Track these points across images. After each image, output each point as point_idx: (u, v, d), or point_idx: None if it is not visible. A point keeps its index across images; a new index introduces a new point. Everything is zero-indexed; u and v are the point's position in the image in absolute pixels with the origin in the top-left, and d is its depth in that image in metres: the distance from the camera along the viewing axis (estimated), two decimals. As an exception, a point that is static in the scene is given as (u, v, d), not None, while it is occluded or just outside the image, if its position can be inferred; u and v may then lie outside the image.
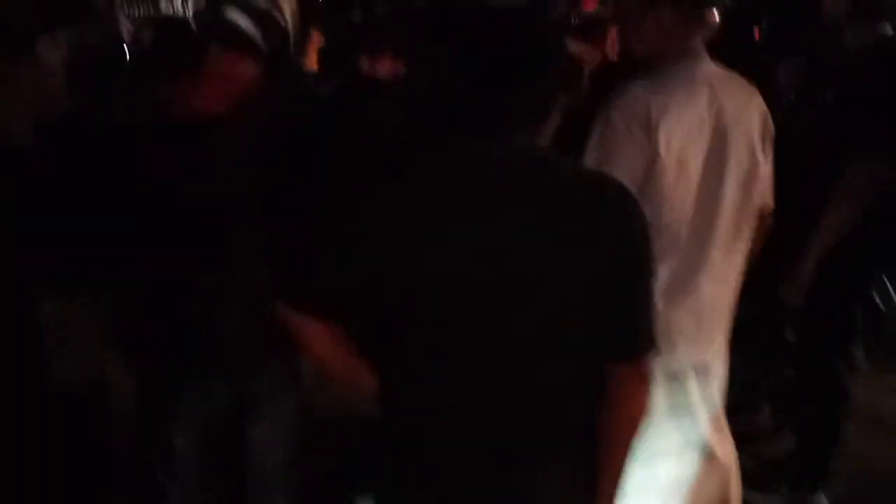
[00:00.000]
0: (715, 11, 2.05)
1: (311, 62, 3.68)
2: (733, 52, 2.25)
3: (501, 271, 1.37)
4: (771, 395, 3.44)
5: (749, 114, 2.04)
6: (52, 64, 2.49)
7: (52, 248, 1.99)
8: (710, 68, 2.02)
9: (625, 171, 1.87)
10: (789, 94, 2.92)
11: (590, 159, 1.94)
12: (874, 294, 3.97)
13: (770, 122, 2.09)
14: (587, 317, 1.42)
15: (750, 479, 2.39)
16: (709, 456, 2.15)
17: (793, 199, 2.37)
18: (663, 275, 1.95)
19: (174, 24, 2.81)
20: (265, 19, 1.94)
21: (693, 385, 2.08)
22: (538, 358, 1.42)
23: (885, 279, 4.10)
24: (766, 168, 2.09)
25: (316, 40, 3.73)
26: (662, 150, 1.91)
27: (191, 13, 5.09)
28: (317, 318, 1.51)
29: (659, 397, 1.91)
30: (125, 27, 4.10)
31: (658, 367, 1.63)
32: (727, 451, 2.20)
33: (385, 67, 2.55)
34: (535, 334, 1.40)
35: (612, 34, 3.47)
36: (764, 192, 2.11)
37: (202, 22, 2.07)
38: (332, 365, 1.58)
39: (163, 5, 5.33)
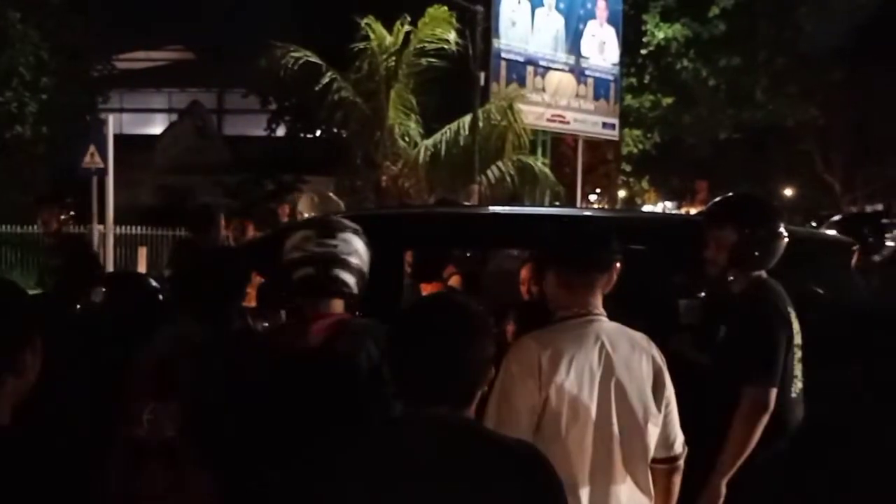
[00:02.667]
0: (613, 271, 2.50)
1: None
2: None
3: None
4: None
5: (640, 368, 2.38)
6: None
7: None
8: (603, 324, 2.40)
9: (519, 414, 2.26)
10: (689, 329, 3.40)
11: (492, 401, 2.27)
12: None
13: (663, 376, 2.41)
14: None
15: None
16: None
17: (702, 425, 2.79)
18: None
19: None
20: None
21: None
22: None
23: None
24: (657, 420, 2.38)
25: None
26: (553, 396, 2.27)
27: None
28: None
29: None
30: None
31: None
32: None
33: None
34: None
35: (524, 274, 3.96)
36: (659, 443, 2.41)
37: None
38: None
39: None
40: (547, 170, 15.94)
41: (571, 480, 2.25)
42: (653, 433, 2.39)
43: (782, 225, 3.18)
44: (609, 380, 2.33)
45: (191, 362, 2.61)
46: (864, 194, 24.89)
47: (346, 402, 2.31)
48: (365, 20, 14.23)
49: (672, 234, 3.88)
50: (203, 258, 3.14)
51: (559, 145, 19.98)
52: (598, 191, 24.00)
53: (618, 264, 2.51)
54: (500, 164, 14.77)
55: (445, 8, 14.26)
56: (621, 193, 25.38)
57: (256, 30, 17.26)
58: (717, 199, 3.43)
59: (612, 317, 2.73)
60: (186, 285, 2.84)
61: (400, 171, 14.79)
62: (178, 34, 30.83)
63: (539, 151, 17.02)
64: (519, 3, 16.46)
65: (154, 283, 3.03)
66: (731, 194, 3.45)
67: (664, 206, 27.98)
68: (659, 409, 2.39)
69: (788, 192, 26.48)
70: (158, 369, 2.62)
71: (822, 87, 21.62)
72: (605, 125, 18.54)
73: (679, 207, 26.70)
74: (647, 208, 26.10)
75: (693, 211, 19.68)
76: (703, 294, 3.58)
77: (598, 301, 2.45)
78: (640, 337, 2.45)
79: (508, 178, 14.68)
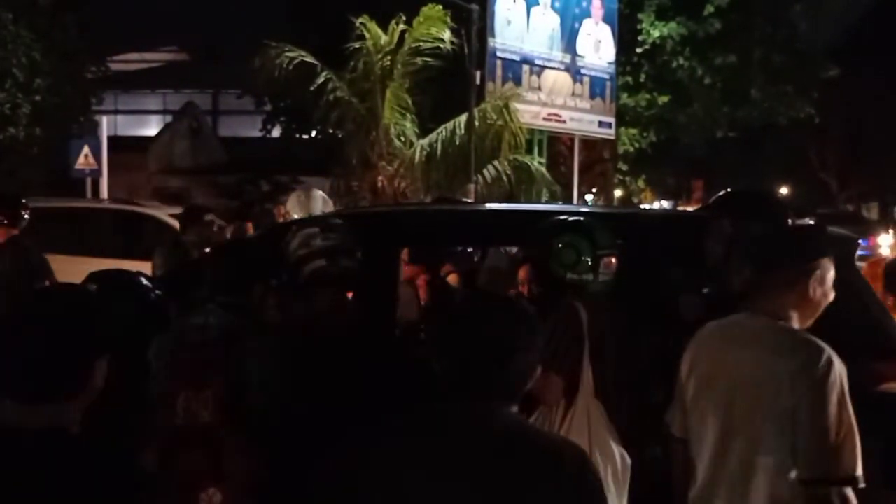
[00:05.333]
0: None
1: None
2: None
3: None
4: None
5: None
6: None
7: None
8: None
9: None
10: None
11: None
12: None
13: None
14: None
15: None
16: None
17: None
18: None
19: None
20: None
21: None
22: None
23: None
24: None
25: None
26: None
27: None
28: None
29: None
30: None
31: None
32: None
33: None
34: None
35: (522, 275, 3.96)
36: None
37: None
38: None
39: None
40: (543, 169, 15.91)
41: None
42: None
43: (786, 219, 3.15)
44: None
45: (227, 348, 2.72)
46: (859, 192, 24.92)
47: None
48: (360, 20, 14.20)
49: (673, 229, 3.86)
50: (227, 249, 3.27)
51: (555, 144, 19.97)
52: (594, 190, 23.99)
53: None
54: (496, 163, 14.74)
55: (440, 7, 14.22)
56: (617, 192, 25.37)
57: (251, 30, 17.22)
58: (721, 192, 3.41)
59: (613, 315, 2.74)
60: (212, 275, 2.99)
61: (396, 171, 14.75)
62: (172, 35, 30.80)
63: (535, 151, 17.00)
64: (514, 1, 16.44)
65: (147, 282, 3.02)
66: (734, 188, 3.43)
67: (660, 205, 28.00)
68: None
69: (784, 190, 26.51)
70: (189, 358, 2.70)
71: (818, 86, 21.65)
72: (601, 124, 18.53)
73: (675, 206, 26.71)
74: (644, 207, 26.13)
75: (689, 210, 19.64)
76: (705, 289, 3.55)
77: None
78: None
79: (505, 178, 14.66)
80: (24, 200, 5.75)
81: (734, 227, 3.13)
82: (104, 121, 14.22)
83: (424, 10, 14.23)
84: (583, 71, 17.94)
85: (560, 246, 3.05)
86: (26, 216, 5.64)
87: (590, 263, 3.03)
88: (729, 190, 3.41)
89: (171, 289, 3.26)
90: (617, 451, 2.93)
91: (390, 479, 1.71)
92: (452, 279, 5.11)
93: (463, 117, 14.44)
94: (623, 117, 20.76)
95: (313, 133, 21.29)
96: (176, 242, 5.81)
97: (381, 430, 1.81)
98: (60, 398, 1.68)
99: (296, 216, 4.93)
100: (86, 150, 13.24)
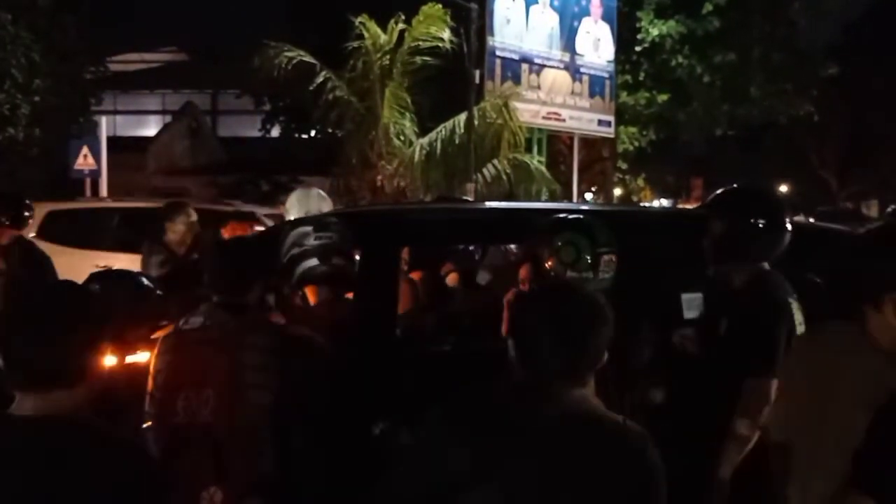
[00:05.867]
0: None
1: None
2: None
3: None
4: None
5: None
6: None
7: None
8: None
9: None
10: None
11: None
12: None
13: None
14: None
15: None
16: None
17: (705, 419, 2.76)
18: None
19: None
20: None
21: None
22: None
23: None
24: None
25: None
26: None
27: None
28: None
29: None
30: None
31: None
32: None
33: None
34: None
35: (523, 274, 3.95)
36: None
37: None
38: None
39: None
40: (543, 168, 15.91)
41: None
42: None
43: (784, 217, 3.14)
44: None
45: (227, 347, 2.70)
46: (859, 190, 24.92)
47: None
48: (359, 19, 14.19)
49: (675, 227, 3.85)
50: (225, 248, 3.28)
51: (555, 143, 19.96)
52: (594, 189, 23.98)
53: None
54: (495, 162, 14.75)
55: (440, 6, 14.22)
56: (617, 191, 25.37)
57: (250, 30, 17.23)
58: (719, 190, 3.40)
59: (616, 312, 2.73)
60: (214, 275, 2.94)
61: (395, 171, 14.75)
62: (171, 35, 30.80)
63: (535, 149, 17.00)
64: (513, 0, 16.43)
65: (146, 281, 3.02)
66: (733, 186, 3.42)
67: (660, 203, 28.00)
68: None
69: (784, 188, 26.51)
70: (188, 357, 2.70)
71: (817, 84, 21.65)
72: (600, 122, 18.54)
73: (675, 204, 26.71)
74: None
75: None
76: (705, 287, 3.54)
77: None
78: None
79: (504, 177, 14.66)
80: (27, 201, 5.73)
81: (731, 225, 3.12)
82: (103, 121, 14.19)
83: (424, 9, 14.23)
84: (582, 69, 17.94)
85: (560, 243, 3.04)
86: (29, 216, 5.63)
87: (589, 260, 3.01)
88: (726, 188, 3.40)
89: (170, 288, 3.26)
90: None
91: (473, 456, 1.82)
92: (452, 278, 5.10)
93: (462, 116, 14.43)
94: (622, 116, 20.76)
95: (312, 133, 21.29)
96: (163, 241, 5.75)
97: (461, 408, 1.94)
98: (66, 385, 1.75)
99: (294, 215, 4.90)
100: (85, 150, 13.23)
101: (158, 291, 2.97)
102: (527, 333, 1.94)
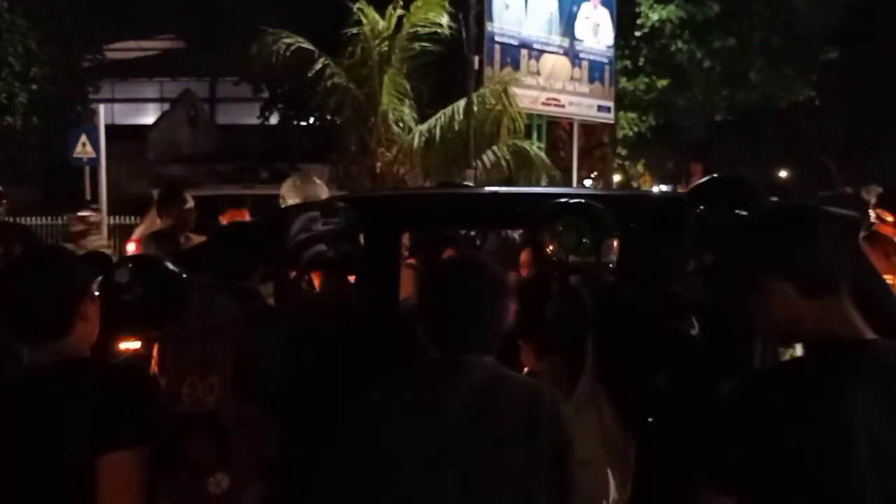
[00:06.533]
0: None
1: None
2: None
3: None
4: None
5: None
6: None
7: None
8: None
9: None
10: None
11: None
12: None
13: None
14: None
15: None
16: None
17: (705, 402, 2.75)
18: None
19: None
20: None
21: None
22: None
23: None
24: None
25: None
26: None
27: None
28: None
29: None
30: None
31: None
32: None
33: None
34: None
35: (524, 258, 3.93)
36: None
37: None
38: None
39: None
40: (542, 154, 15.89)
41: None
42: None
43: (764, 202, 3.13)
44: None
45: (232, 334, 2.73)
46: (859, 175, 24.92)
47: None
48: (357, 5, 14.15)
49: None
50: (227, 233, 3.28)
51: (554, 129, 19.93)
52: (594, 174, 23.96)
53: None
54: (495, 148, 14.73)
55: (438, -9, 14.18)
56: (617, 177, 25.35)
57: (247, 17, 17.16)
58: (701, 179, 3.42)
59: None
60: (216, 261, 2.97)
61: (395, 157, 14.73)
62: (168, 23, 30.68)
63: (534, 136, 16.96)
64: (512, -15, 16.37)
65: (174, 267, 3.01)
66: (714, 174, 3.42)
67: (659, 189, 27.99)
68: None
69: (783, 173, 26.50)
70: (193, 344, 2.71)
71: (818, 68, 21.60)
72: (600, 108, 18.49)
73: (674, 190, 26.71)
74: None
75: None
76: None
77: None
78: None
79: (504, 163, 14.64)
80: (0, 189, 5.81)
81: (710, 212, 3.10)
82: (101, 109, 14.16)
83: (422, -6, 14.18)
84: (581, 55, 17.89)
85: (560, 228, 3.03)
86: (4, 203, 5.69)
87: (591, 245, 2.99)
88: (708, 177, 3.41)
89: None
90: (627, 437, 2.89)
91: (404, 426, 1.95)
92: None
93: (461, 102, 14.39)
94: (622, 101, 20.71)
95: (311, 120, 21.25)
96: (160, 232, 5.74)
97: (394, 383, 2.07)
98: (57, 335, 2.00)
99: (291, 202, 4.88)
100: (83, 138, 13.20)
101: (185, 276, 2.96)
102: (435, 310, 2.06)
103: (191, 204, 5.60)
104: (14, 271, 2.15)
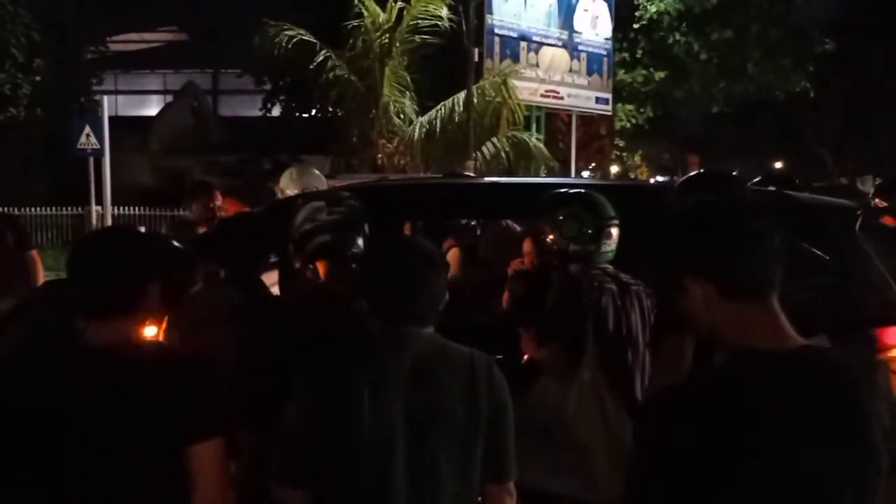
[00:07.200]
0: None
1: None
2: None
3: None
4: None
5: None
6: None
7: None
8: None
9: None
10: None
11: None
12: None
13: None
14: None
15: None
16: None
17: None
18: None
19: None
20: None
21: None
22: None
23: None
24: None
25: None
26: None
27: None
28: None
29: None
30: None
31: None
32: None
33: None
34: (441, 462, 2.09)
35: (527, 247, 3.98)
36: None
37: None
38: None
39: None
40: (541, 146, 16.02)
41: None
42: None
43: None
44: None
45: (236, 323, 2.78)
46: (854, 166, 25.03)
47: None
48: (358, -3, 14.26)
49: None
50: (233, 224, 3.27)
51: (553, 121, 20.04)
52: (592, 166, 24.08)
53: None
54: (494, 140, 14.85)
55: (438, -16, 14.29)
56: (614, 168, 25.47)
57: (249, 9, 17.23)
58: (687, 175, 3.51)
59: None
60: (223, 251, 3.01)
61: (395, 149, 14.87)
62: (171, 15, 30.69)
63: (533, 127, 17.09)
64: (511, -22, 16.47)
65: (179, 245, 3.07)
66: (698, 171, 3.53)
67: (656, 181, 28.08)
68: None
69: (779, 164, 26.61)
70: (197, 333, 2.77)
71: (814, 59, 21.67)
72: (598, 100, 18.62)
73: (671, 181, 26.76)
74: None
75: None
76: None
77: None
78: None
79: (503, 155, 14.76)
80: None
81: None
82: (105, 100, 14.26)
83: (422, -13, 14.29)
84: (580, 47, 18.00)
85: (561, 217, 3.09)
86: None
87: (591, 234, 3.06)
88: (693, 172, 3.52)
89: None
90: (628, 424, 2.91)
91: (359, 390, 2.09)
92: (454, 253, 5.21)
93: (461, 94, 14.53)
94: (620, 93, 20.81)
95: (313, 112, 21.34)
96: (184, 220, 5.91)
97: (343, 352, 2.22)
98: (125, 314, 1.99)
99: (289, 193, 4.97)
100: (87, 129, 13.29)
101: (191, 258, 3.04)
102: (375, 287, 2.21)
103: (218, 200, 5.74)
104: (92, 243, 2.14)
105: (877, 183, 6.89)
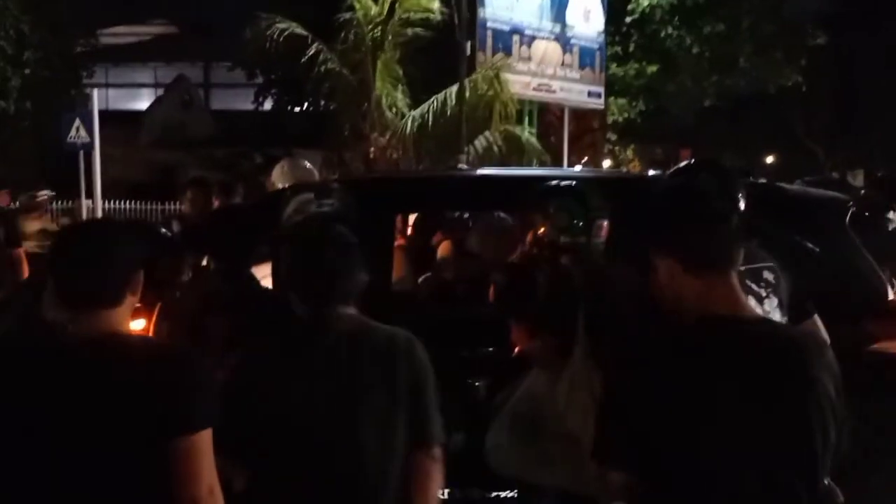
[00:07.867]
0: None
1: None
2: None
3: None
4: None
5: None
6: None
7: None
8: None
9: None
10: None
11: None
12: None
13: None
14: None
15: None
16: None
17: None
18: None
19: None
20: None
21: None
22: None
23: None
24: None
25: None
26: None
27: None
28: None
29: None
30: None
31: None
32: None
33: None
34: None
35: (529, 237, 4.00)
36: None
37: None
38: None
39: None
40: (534, 139, 16.02)
41: None
42: None
43: (735, 187, 3.25)
44: None
45: (227, 315, 2.82)
46: (845, 159, 25.10)
47: None
48: (350, -10, 14.21)
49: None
50: (225, 216, 3.25)
51: (545, 115, 20.03)
52: (584, 160, 24.08)
53: None
54: (487, 134, 14.84)
55: (429, -23, 14.25)
56: (607, 162, 25.47)
57: (241, 2, 17.17)
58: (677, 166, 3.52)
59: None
60: (214, 243, 3.04)
61: (388, 143, 14.85)
62: (161, 8, 30.57)
63: (526, 121, 17.08)
64: (503, -29, 16.43)
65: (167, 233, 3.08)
66: (688, 161, 3.53)
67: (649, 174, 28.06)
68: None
69: (770, 158, 26.67)
70: (188, 322, 2.81)
71: (806, 53, 21.71)
72: (590, 94, 18.61)
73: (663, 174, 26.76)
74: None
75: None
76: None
77: None
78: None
79: (496, 148, 14.76)
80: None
81: None
82: (95, 93, 14.18)
83: (413, -20, 14.25)
84: (572, 41, 17.99)
85: (552, 209, 3.09)
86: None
87: (582, 226, 3.05)
88: (683, 163, 3.52)
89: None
90: None
91: (275, 377, 2.24)
92: (445, 245, 5.19)
93: (454, 88, 14.50)
94: (612, 87, 20.81)
95: (305, 105, 21.29)
96: (181, 215, 5.90)
97: (267, 339, 2.35)
98: (109, 305, 1.97)
99: (280, 187, 4.96)
100: (77, 122, 13.22)
101: (178, 246, 3.05)
102: (297, 272, 2.34)
103: (213, 190, 5.76)
104: (76, 234, 2.12)
105: (875, 177, 6.88)
